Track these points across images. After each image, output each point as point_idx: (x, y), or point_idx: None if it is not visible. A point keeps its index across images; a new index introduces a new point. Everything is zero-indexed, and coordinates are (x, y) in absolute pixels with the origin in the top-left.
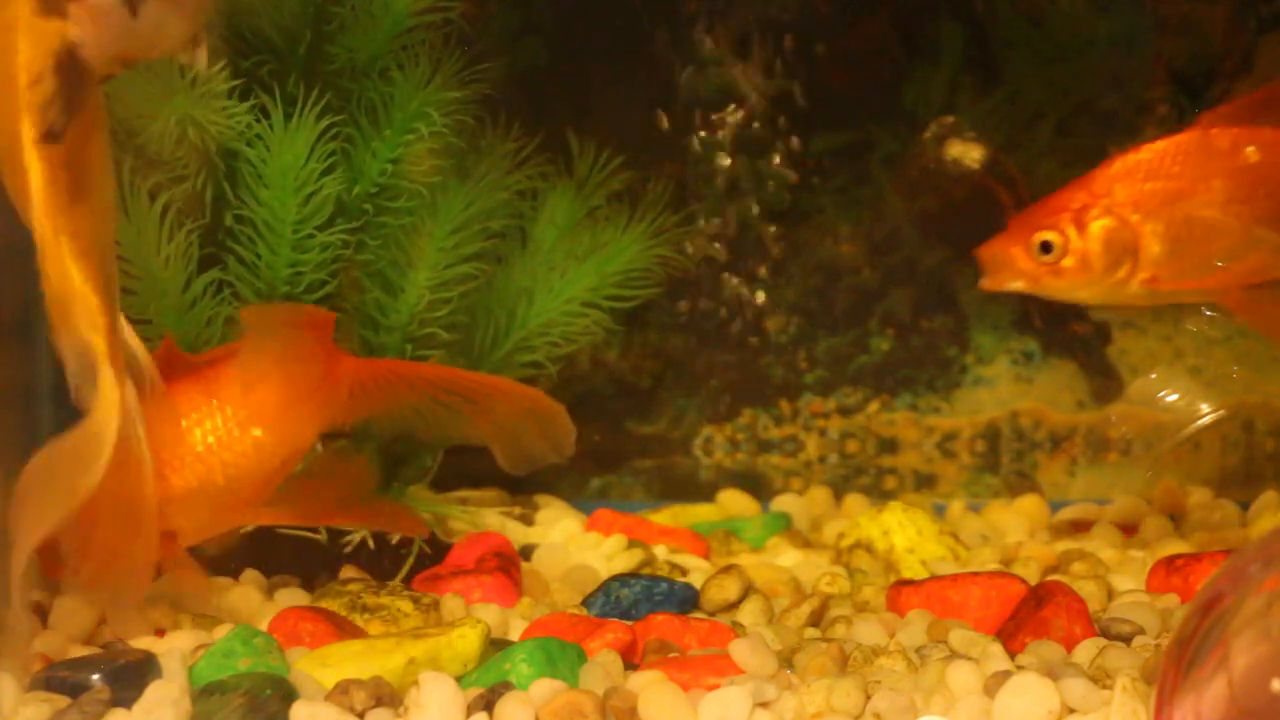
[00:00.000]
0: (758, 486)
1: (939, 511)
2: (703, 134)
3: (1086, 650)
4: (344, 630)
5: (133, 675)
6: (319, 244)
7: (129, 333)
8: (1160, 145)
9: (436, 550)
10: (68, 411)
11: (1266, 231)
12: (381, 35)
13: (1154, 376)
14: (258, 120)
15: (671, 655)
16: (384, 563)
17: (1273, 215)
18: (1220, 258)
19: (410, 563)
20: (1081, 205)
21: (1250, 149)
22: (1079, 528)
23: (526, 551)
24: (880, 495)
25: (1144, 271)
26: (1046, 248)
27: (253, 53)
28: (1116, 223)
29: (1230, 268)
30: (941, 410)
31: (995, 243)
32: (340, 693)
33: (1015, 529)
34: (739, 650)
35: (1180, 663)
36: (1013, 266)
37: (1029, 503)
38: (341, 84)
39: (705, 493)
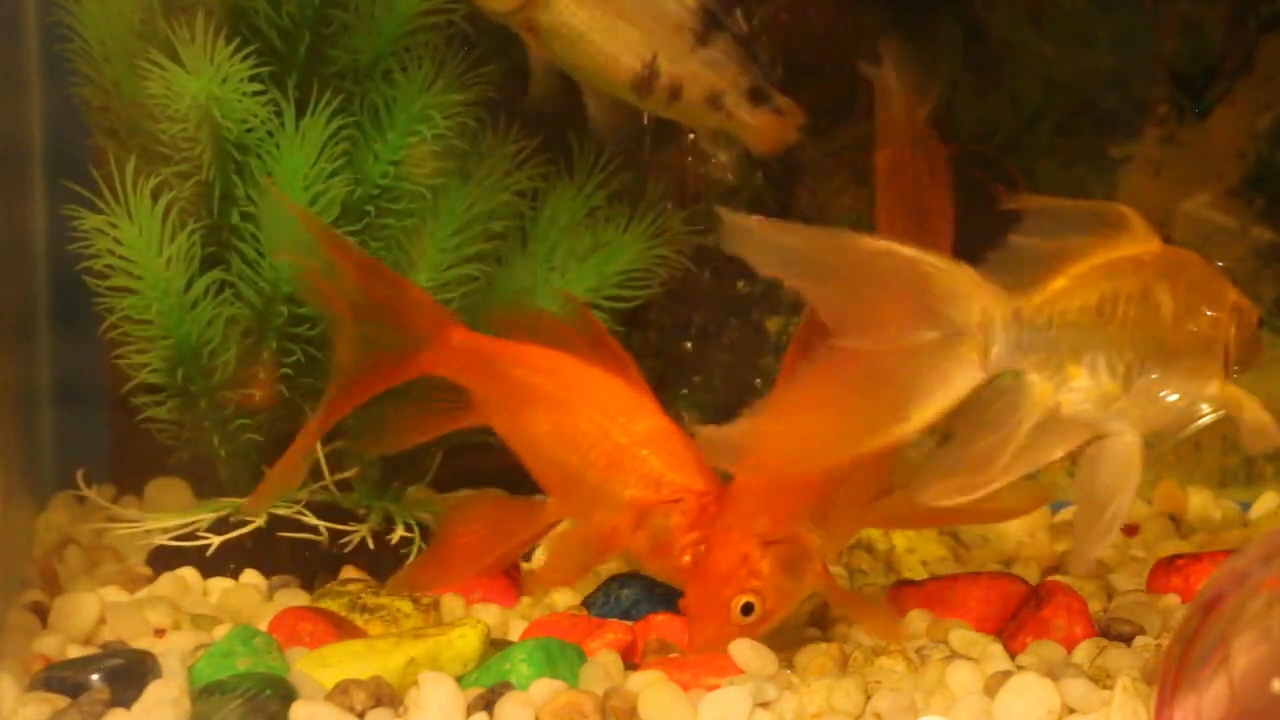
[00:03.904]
0: None
1: None
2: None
3: (1087, 650)
4: (344, 630)
5: (132, 675)
6: None
7: None
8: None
9: None
10: (67, 411)
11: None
12: (384, 37)
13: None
14: (271, 116)
15: (671, 655)
16: (384, 563)
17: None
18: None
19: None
20: (744, 552)
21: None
22: None
23: (526, 551)
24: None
25: (817, 567)
26: (748, 609)
27: (252, 54)
28: (784, 545)
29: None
30: None
31: (699, 631)
32: (340, 693)
33: (1015, 529)
34: (739, 650)
35: (1181, 663)
36: (726, 637)
37: None
38: (343, 86)
39: None
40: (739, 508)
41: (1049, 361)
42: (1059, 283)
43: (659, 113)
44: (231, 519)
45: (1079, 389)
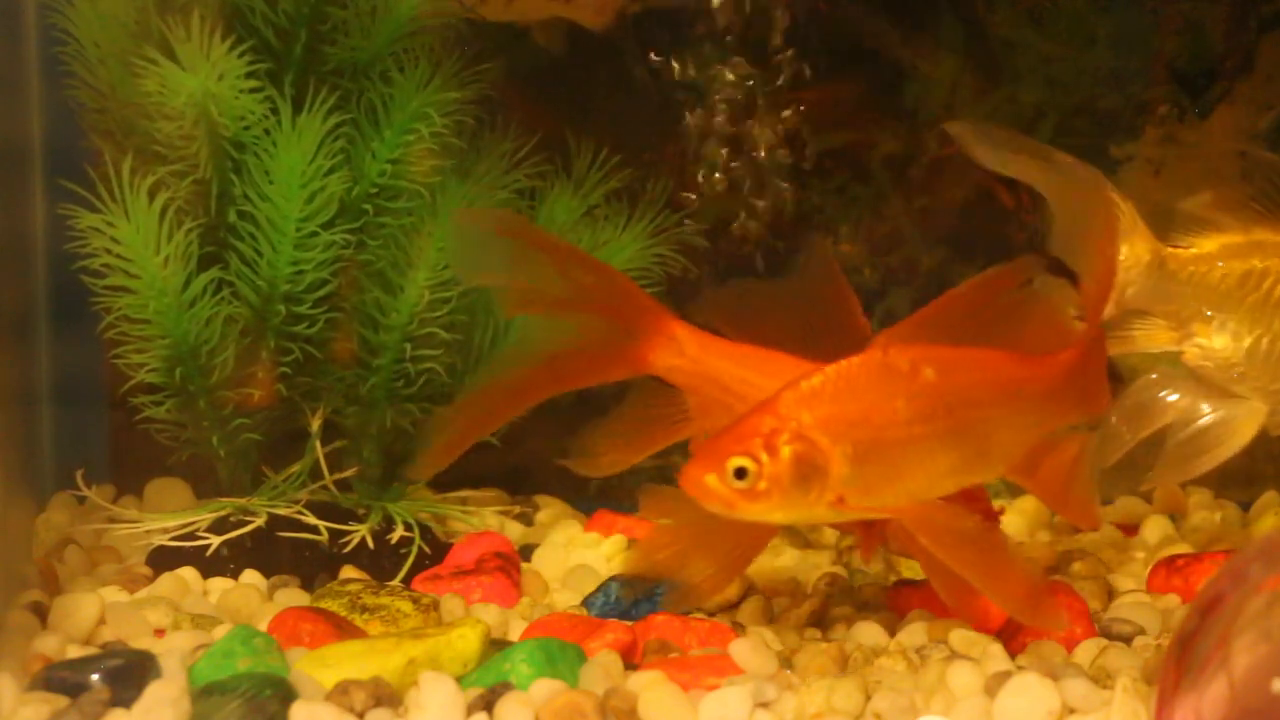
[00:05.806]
0: None
1: None
2: (701, 132)
3: (1087, 650)
4: (344, 630)
5: (132, 675)
6: (322, 243)
7: None
8: (843, 366)
9: (436, 550)
10: (67, 411)
11: (945, 451)
12: (381, 36)
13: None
14: (268, 115)
15: (671, 655)
16: (384, 563)
17: (949, 433)
18: (902, 477)
19: (410, 563)
20: (771, 430)
21: (928, 370)
22: (1080, 528)
23: (526, 551)
24: None
25: (831, 492)
26: (741, 474)
27: (248, 51)
28: (806, 446)
29: (911, 486)
30: None
31: (691, 469)
32: (340, 693)
33: (1015, 529)
34: (739, 650)
35: (1181, 663)
36: (710, 493)
37: (1029, 503)
38: (341, 84)
39: None
40: (791, 397)
41: (1179, 314)
42: (1210, 245)
43: (498, 17)
44: (232, 519)
45: (1202, 346)
